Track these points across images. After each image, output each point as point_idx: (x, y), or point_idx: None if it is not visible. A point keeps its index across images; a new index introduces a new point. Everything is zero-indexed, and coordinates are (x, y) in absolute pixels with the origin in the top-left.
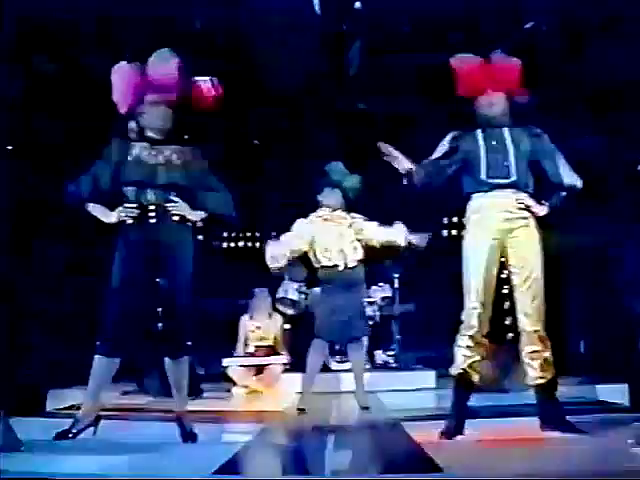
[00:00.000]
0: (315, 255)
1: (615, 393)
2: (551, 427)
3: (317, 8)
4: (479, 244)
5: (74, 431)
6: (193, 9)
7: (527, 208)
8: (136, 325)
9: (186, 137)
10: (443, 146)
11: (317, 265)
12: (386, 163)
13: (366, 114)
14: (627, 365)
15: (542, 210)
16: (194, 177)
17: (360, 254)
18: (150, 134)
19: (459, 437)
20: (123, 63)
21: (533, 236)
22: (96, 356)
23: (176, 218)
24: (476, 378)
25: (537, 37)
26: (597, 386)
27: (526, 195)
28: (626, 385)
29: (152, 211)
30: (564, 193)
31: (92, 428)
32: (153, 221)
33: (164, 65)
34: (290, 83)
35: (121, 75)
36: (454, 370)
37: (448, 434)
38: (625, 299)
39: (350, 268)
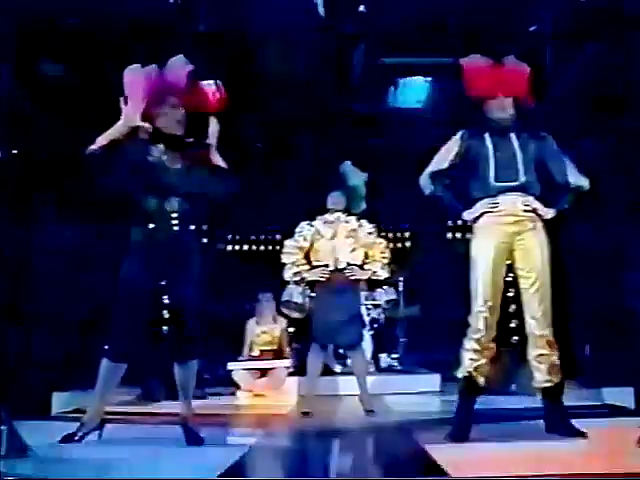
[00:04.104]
0: (309, 255)
1: (620, 396)
2: (556, 431)
3: (321, 10)
4: (487, 248)
5: (79, 434)
6: (198, 12)
7: (534, 211)
8: (145, 330)
9: (191, 140)
10: (453, 146)
11: (313, 264)
12: (391, 165)
13: (369, 116)
14: (632, 368)
15: (549, 213)
16: (204, 180)
17: (359, 259)
18: (167, 137)
19: (464, 441)
20: (136, 65)
21: (540, 239)
22: (103, 360)
23: (193, 227)
24: (482, 381)
25: (541, 39)
26: (602, 389)
27: (533, 198)
28: (632, 388)
29: (175, 219)
30: (571, 195)
31: (97, 432)
32: (176, 229)
33: (177, 71)
34: (293, 85)
35: (134, 77)
36: (460, 373)
37: (453, 438)
38: (630, 301)
39: (342, 270)
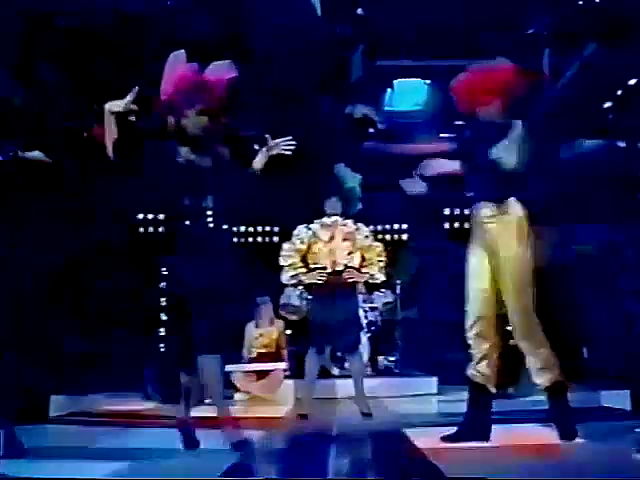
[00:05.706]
0: (307, 258)
1: (617, 399)
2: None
3: (319, 13)
4: (471, 248)
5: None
6: (197, 14)
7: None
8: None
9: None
10: None
11: (310, 267)
12: (389, 167)
13: (368, 118)
14: (629, 370)
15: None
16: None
17: (356, 261)
18: (191, 136)
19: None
20: (181, 52)
21: (512, 241)
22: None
23: (226, 226)
24: (470, 374)
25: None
26: (599, 392)
27: (493, 203)
28: (628, 391)
29: (210, 216)
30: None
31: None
32: (211, 226)
33: (218, 76)
34: (293, 87)
35: (174, 65)
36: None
37: (449, 438)
38: (626, 304)
39: (340, 272)
